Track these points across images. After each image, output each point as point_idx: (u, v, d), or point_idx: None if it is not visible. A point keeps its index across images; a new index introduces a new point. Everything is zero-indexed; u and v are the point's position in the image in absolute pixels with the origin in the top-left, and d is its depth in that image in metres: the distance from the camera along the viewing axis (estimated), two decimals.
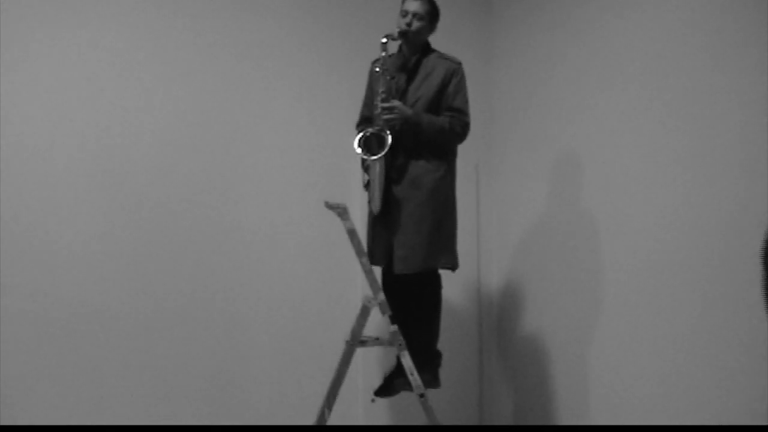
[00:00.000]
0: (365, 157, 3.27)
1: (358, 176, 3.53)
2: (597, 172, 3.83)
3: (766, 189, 3.02)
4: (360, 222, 3.54)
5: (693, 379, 3.30)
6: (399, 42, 3.41)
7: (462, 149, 3.50)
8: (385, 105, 3.26)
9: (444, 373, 3.51)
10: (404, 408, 4.00)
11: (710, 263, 3.24)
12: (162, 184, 3.71)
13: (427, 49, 3.42)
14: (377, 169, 3.26)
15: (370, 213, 3.41)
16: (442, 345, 3.50)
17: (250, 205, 3.90)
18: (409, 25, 3.32)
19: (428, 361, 3.36)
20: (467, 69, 3.42)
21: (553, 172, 4.11)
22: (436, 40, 3.48)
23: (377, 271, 3.36)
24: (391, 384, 3.41)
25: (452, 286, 3.79)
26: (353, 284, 4.01)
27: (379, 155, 3.24)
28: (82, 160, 3.54)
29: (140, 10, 3.71)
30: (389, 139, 3.22)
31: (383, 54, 3.31)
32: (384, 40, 3.29)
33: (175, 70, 3.78)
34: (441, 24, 3.47)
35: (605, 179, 3.77)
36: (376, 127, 3.27)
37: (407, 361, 3.21)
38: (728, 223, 3.17)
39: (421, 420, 3.36)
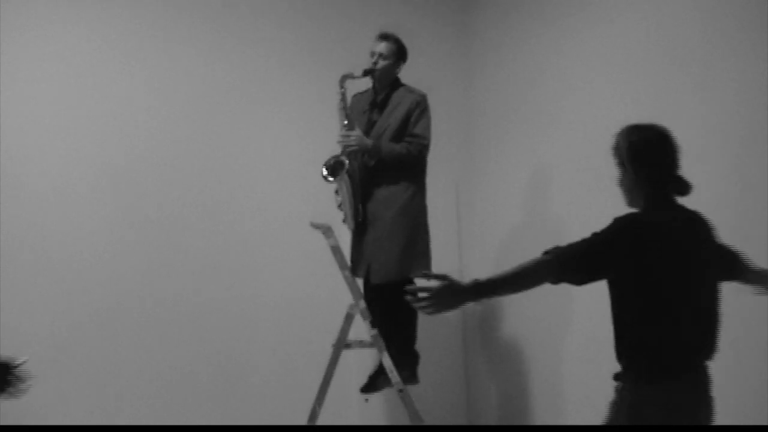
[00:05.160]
0: (328, 179, 3.69)
1: None
2: (572, 185, 4.04)
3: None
4: (348, 235, 3.89)
5: None
6: (370, 78, 3.80)
7: (442, 167, 3.84)
8: (344, 133, 3.70)
9: (430, 372, 3.87)
10: (399, 406, 4.32)
11: None
12: (169, 201, 4.19)
13: (396, 84, 3.83)
14: (344, 190, 3.69)
15: None
16: (429, 348, 3.87)
17: (250, 222, 4.34)
18: (375, 64, 3.74)
19: (407, 360, 3.74)
20: (446, 91, 3.81)
21: (530, 186, 4.37)
22: (415, 64, 3.85)
23: (360, 282, 3.78)
24: (375, 382, 3.80)
25: None
26: (343, 294, 4.38)
27: (336, 178, 3.66)
28: (87, 177, 4.03)
29: (142, 37, 4.21)
30: (347, 163, 3.65)
31: (342, 90, 3.72)
32: (340, 79, 3.71)
33: (177, 95, 4.27)
34: (420, 47, 3.81)
35: (580, 191, 3.97)
36: (338, 154, 3.70)
37: (387, 361, 3.62)
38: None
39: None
